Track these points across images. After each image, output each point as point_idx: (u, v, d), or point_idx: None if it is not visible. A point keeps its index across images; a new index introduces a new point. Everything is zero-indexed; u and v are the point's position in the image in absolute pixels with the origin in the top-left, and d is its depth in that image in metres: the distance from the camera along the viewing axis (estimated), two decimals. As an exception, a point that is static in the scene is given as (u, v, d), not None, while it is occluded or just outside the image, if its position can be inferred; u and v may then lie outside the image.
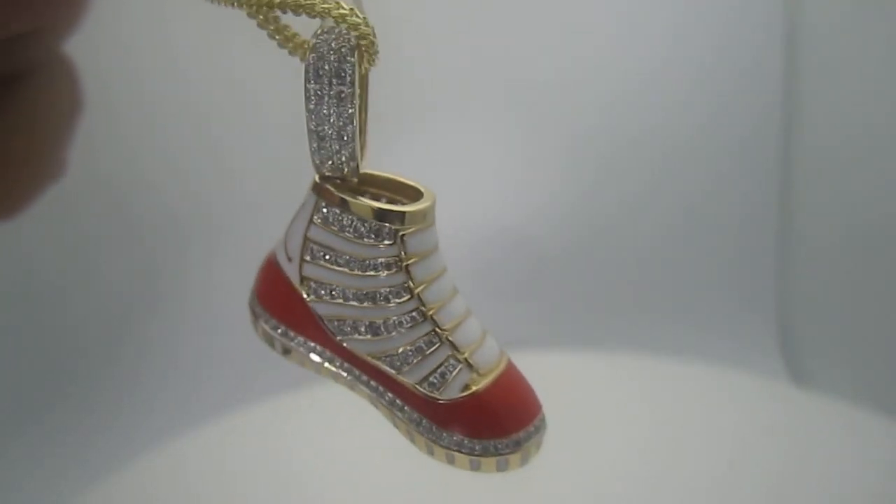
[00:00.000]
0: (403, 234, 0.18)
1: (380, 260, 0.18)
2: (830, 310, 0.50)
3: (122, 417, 0.46)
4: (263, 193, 0.46)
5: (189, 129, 0.47)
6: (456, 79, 0.50)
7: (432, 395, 0.18)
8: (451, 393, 0.18)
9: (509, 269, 0.51)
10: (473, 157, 0.52)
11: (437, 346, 0.18)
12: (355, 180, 0.18)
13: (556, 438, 0.40)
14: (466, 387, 0.18)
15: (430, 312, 0.18)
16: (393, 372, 0.19)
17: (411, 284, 0.18)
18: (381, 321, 0.18)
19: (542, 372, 0.45)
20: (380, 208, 0.18)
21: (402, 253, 0.18)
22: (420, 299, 0.18)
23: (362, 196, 0.18)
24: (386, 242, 0.18)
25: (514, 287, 0.51)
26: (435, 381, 0.18)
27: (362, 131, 0.18)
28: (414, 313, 0.18)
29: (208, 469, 0.41)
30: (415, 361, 0.18)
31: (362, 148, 0.18)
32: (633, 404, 0.43)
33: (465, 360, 0.18)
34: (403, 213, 0.18)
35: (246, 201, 0.48)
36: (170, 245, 0.48)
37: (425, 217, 0.18)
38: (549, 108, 0.51)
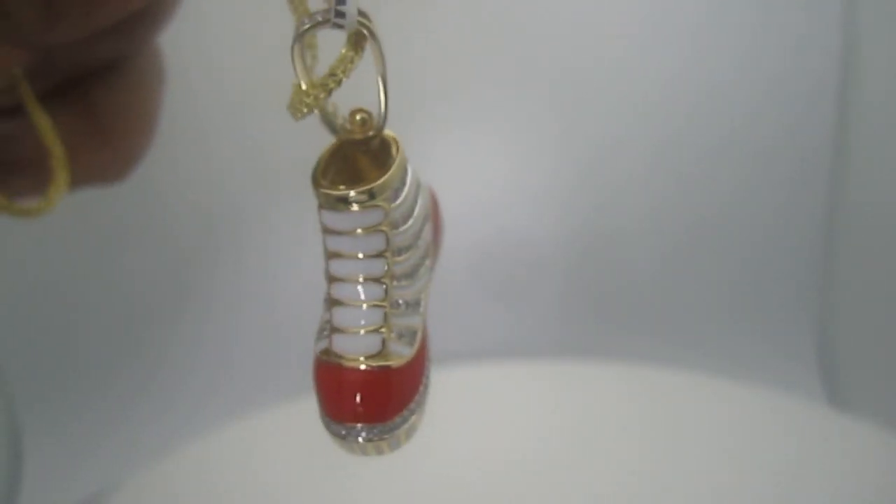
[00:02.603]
0: (318, 204, 0.19)
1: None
2: (875, 331, 0.49)
3: (145, 411, 0.46)
4: (295, 188, 0.46)
5: (221, 121, 0.47)
6: (477, 78, 0.50)
7: (315, 338, 0.21)
8: (316, 348, 0.20)
9: (526, 276, 0.50)
10: (491, 158, 0.51)
11: (327, 308, 0.20)
12: (373, 142, 0.20)
13: (570, 455, 0.40)
14: (326, 352, 0.20)
15: (330, 281, 0.20)
16: None
17: (326, 249, 0.20)
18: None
19: (563, 381, 0.44)
20: (313, 172, 0.20)
21: (320, 220, 0.20)
22: (327, 265, 0.20)
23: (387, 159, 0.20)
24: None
25: (533, 294, 0.50)
26: (319, 330, 0.20)
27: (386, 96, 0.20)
28: (326, 273, 0.20)
29: (229, 469, 0.41)
30: (323, 307, 0.21)
31: (385, 110, 0.20)
32: (658, 420, 0.42)
33: (330, 333, 0.20)
34: (317, 189, 0.19)
35: (277, 196, 0.48)
36: (200, 239, 0.48)
37: (331, 199, 0.19)
38: (575, 110, 0.51)
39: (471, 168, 0.51)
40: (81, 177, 0.24)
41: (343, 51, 0.19)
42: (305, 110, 0.19)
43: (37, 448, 0.45)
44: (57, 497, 0.42)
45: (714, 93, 0.49)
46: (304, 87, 0.19)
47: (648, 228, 0.50)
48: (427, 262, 0.21)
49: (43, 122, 0.22)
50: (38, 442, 0.45)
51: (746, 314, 0.50)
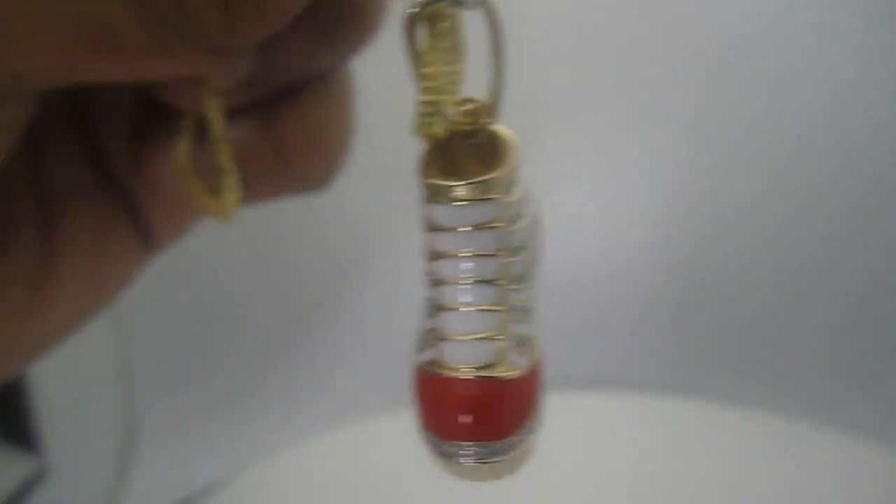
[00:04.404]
0: (424, 198, 0.18)
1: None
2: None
3: (260, 410, 0.47)
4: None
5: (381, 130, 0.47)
6: (593, 101, 0.49)
7: (414, 349, 0.19)
8: (417, 359, 0.19)
9: (628, 308, 0.49)
10: (599, 187, 0.50)
11: (430, 315, 0.18)
12: (480, 136, 0.18)
13: (657, 492, 0.39)
14: (431, 363, 0.18)
15: (435, 284, 0.18)
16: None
17: (432, 249, 0.18)
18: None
19: (658, 417, 0.44)
20: (418, 164, 0.18)
21: (425, 216, 0.18)
22: (431, 268, 0.18)
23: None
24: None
25: (634, 327, 0.50)
26: (420, 340, 0.19)
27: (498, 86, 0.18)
28: (429, 276, 0.18)
29: (336, 473, 0.42)
30: (423, 315, 0.19)
31: (497, 98, 0.18)
32: (747, 465, 0.41)
33: (437, 342, 0.18)
34: (425, 180, 0.18)
35: (406, 211, 0.48)
36: (354, 247, 0.49)
37: (440, 192, 0.18)
38: (685, 145, 0.48)
39: (578, 195, 0.50)
40: (281, 188, 0.24)
41: (425, 47, 0.17)
42: (434, 127, 0.18)
43: (151, 440, 0.46)
44: (166, 487, 0.43)
45: (829, 124, 0.47)
46: (423, 97, 0.17)
47: (754, 267, 0.50)
48: (536, 268, 0.20)
49: (221, 142, 0.21)
50: (153, 435, 0.46)
51: (847, 362, 0.49)
